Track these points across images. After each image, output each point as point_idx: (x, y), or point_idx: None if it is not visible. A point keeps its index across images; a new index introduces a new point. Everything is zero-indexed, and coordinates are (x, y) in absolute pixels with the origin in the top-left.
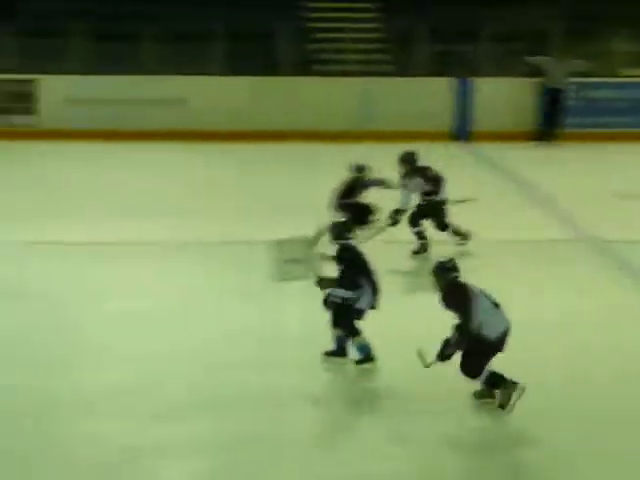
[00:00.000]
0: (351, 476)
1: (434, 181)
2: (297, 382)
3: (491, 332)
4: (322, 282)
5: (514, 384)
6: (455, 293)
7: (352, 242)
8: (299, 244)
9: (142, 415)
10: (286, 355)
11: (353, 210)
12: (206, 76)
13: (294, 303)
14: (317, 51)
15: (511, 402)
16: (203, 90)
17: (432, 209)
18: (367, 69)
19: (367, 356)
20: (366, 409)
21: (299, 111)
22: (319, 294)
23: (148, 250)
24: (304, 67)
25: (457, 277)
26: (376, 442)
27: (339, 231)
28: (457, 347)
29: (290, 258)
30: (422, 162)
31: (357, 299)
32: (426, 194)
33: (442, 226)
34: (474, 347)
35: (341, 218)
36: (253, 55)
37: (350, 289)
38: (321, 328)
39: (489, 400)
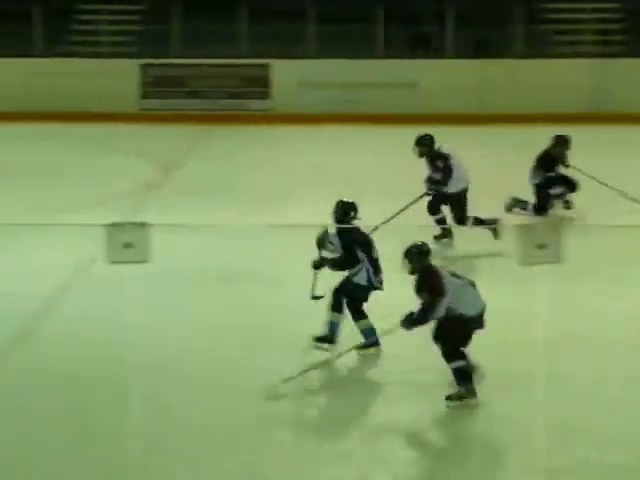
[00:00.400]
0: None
1: (443, 171)
2: None
3: (469, 310)
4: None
5: (473, 394)
6: (430, 279)
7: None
8: (545, 227)
9: None
10: None
11: None
12: (437, 60)
13: None
14: (549, 32)
15: (456, 402)
16: (434, 73)
17: (446, 199)
18: (603, 50)
19: (372, 341)
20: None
21: (529, 93)
22: None
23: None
24: (535, 48)
25: (430, 262)
26: None
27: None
28: (417, 324)
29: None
30: (444, 149)
31: (355, 274)
32: (433, 183)
33: (458, 219)
34: (452, 327)
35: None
36: (480, 37)
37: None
38: None
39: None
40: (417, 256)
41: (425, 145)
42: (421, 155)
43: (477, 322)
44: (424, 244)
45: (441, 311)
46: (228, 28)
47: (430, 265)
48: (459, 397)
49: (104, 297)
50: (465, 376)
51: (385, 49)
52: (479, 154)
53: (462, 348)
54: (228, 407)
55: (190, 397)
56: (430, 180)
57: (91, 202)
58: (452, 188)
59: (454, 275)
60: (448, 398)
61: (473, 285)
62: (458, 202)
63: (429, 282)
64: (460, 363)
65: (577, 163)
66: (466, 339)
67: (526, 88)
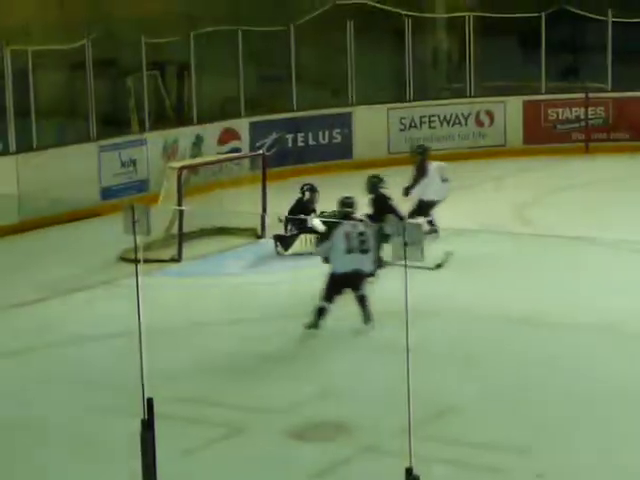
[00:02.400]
0: None
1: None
2: None
3: (339, 268)
4: None
5: (315, 326)
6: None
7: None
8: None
9: None
10: None
11: None
12: None
13: None
14: None
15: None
16: None
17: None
18: None
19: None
20: None
21: None
22: None
23: None
24: None
25: (348, 212)
26: None
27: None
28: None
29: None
30: None
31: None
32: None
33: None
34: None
35: None
36: None
37: None
38: None
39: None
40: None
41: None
42: None
43: (346, 281)
44: (350, 197)
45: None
46: None
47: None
48: (309, 325)
49: None
50: (319, 313)
51: None
52: None
53: (333, 295)
54: None
55: None
56: None
57: None
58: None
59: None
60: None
61: (364, 252)
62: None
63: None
64: (323, 304)
65: None
66: (336, 290)
67: None
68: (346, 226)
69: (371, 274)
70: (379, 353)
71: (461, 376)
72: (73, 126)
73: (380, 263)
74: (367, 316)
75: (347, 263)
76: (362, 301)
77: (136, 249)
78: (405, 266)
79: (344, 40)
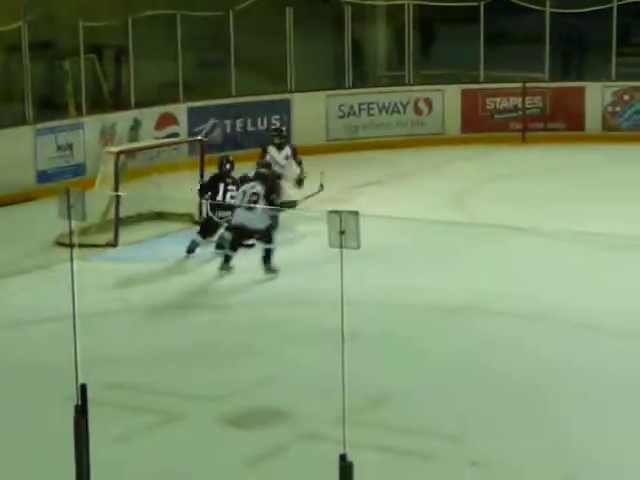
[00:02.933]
0: None
1: None
2: None
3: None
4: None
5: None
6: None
7: None
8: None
9: None
10: None
11: None
12: None
13: None
14: None
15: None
16: None
17: None
18: None
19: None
20: None
21: None
22: None
23: None
24: None
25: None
26: None
27: None
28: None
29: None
30: None
31: None
32: None
33: None
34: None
35: None
36: None
37: None
38: None
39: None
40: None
41: None
42: None
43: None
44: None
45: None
46: None
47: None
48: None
49: None
50: (226, 259)
51: None
52: None
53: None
54: None
55: None
56: None
57: None
58: None
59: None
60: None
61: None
62: None
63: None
64: (227, 251)
65: None
66: (240, 240)
67: None
68: (246, 185)
69: (263, 231)
70: (315, 341)
71: (395, 364)
72: (9, 109)
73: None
74: (268, 267)
75: (241, 217)
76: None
77: (71, 234)
78: (341, 255)
79: (284, 26)
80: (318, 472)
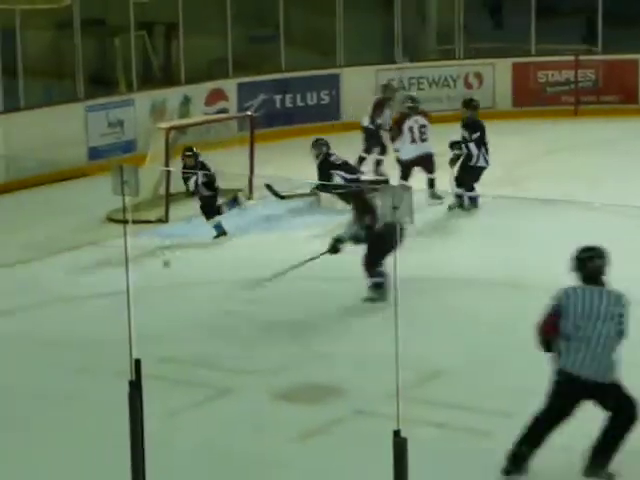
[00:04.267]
0: None
1: None
2: None
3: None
4: None
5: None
6: None
7: None
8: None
9: None
10: None
11: None
12: None
13: None
14: None
15: None
16: None
17: None
18: None
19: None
20: None
21: None
22: None
23: None
24: None
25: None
26: None
27: None
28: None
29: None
30: None
31: None
32: None
33: None
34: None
35: None
36: None
37: None
38: None
39: None
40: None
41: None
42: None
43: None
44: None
45: None
46: None
47: None
48: None
49: None
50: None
51: None
52: None
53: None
54: None
55: None
56: None
57: None
58: None
59: None
60: None
61: None
62: None
63: None
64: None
65: None
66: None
67: None
68: (410, 121)
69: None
70: (368, 316)
71: (447, 341)
72: (60, 86)
73: None
74: (433, 194)
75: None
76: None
77: (125, 209)
78: (396, 231)
79: (333, 1)
80: (371, 448)
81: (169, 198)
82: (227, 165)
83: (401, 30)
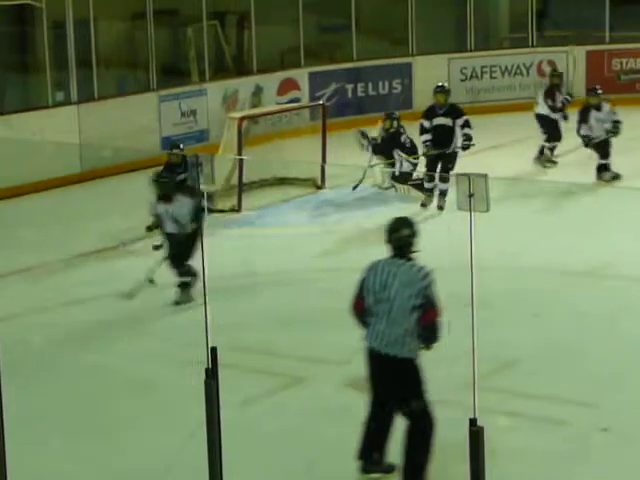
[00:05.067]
0: None
1: None
2: None
3: None
4: None
5: None
6: None
7: None
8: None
9: None
10: None
11: None
12: None
13: None
14: None
15: None
16: None
17: None
18: None
19: None
20: None
21: None
22: None
23: None
24: None
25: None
26: None
27: None
28: None
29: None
30: None
31: None
32: None
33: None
34: None
35: None
36: None
37: None
38: None
39: None
40: None
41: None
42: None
43: None
44: None
45: None
46: None
47: None
48: None
49: None
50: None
51: None
52: None
53: None
54: None
55: None
56: None
57: None
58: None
59: None
60: None
61: None
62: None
63: None
64: None
65: None
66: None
67: None
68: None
69: None
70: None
71: (523, 329)
72: (134, 76)
73: None
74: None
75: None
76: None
77: (205, 198)
78: (470, 218)
79: None
80: (443, 437)
81: (242, 187)
82: (299, 154)
83: (473, 17)
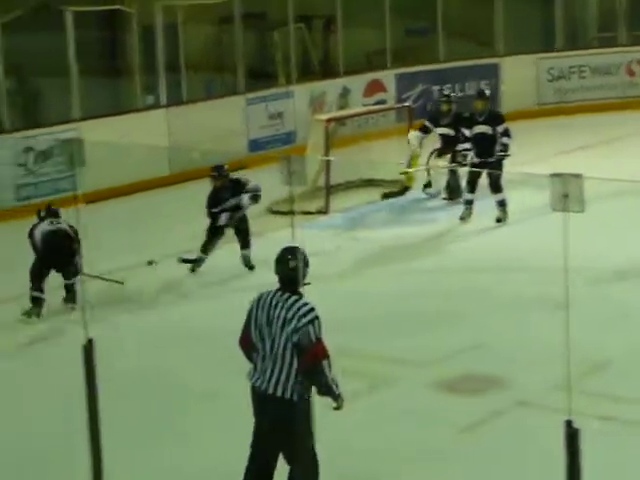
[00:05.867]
0: None
1: None
2: None
3: None
4: None
5: None
6: None
7: None
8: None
9: None
10: None
11: None
12: None
13: None
14: None
15: None
16: None
17: None
18: None
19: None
20: None
21: None
22: None
23: None
24: None
25: None
26: None
27: None
28: None
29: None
30: None
31: None
32: None
33: None
34: None
35: None
36: None
37: None
38: None
39: None
40: None
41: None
42: None
43: None
44: None
45: None
46: None
47: None
48: None
49: None
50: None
51: None
52: None
53: None
54: None
55: None
56: None
57: None
58: None
59: None
60: None
61: None
62: None
63: None
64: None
65: None
66: None
67: None
68: None
69: None
70: (523, 308)
71: (613, 331)
72: (221, 79)
73: None
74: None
75: None
76: None
77: (292, 200)
78: (565, 219)
79: None
80: (535, 441)
81: (329, 189)
82: (386, 155)
83: (561, 17)
